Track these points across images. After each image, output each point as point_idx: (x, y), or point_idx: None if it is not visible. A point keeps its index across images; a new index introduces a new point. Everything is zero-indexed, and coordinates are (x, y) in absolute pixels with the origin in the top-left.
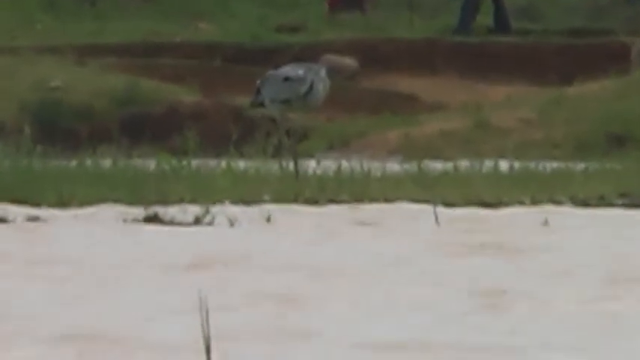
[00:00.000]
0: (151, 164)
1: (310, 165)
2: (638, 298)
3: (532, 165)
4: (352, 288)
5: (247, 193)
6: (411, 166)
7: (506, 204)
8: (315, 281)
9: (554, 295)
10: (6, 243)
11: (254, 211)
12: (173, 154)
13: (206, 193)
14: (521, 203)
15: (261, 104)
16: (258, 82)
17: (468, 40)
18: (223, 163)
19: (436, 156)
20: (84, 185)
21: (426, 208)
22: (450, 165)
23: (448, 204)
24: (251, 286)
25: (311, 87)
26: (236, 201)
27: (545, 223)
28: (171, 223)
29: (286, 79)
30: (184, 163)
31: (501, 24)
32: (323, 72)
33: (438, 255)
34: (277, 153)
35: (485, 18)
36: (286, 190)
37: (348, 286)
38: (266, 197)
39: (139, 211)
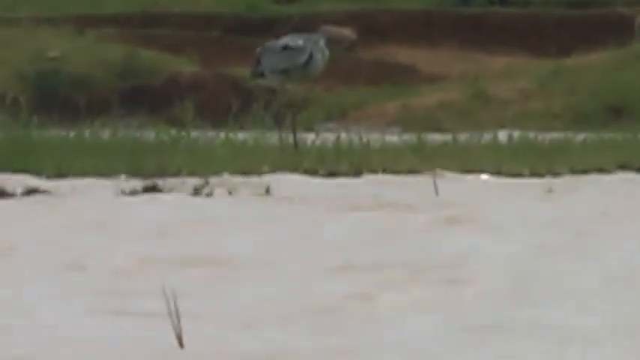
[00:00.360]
0: (150, 135)
1: (309, 136)
2: None
3: (531, 135)
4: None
5: (246, 164)
6: (410, 137)
7: (506, 174)
8: None
9: None
10: None
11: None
12: (172, 124)
13: (205, 164)
14: (521, 174)
15: (261, 74)
16: (257, 50)
17: (467, 10)
18: (222, 134)
19: (435, 127)
20: (83, 156)
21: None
22: (449, 136)
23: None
24: None
25: (310, 56)
26: (235, 172)
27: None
28: (170, 193)
29: (285, 47)
30: (183, 134)
31: None
32: (322, 42)
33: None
34: (276, 124)
35: None
36: (285, 160)
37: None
38: (265, 168)
39: (137, 182)
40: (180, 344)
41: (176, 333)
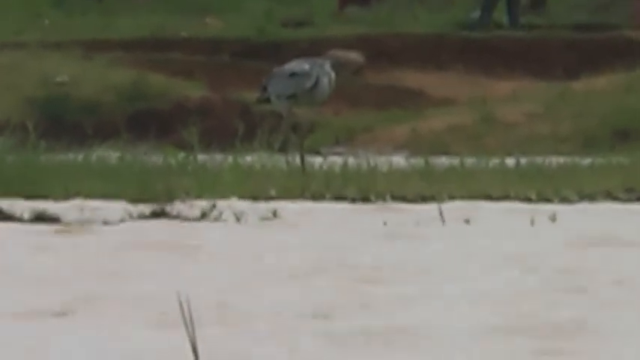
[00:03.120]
0: (158, 159)
1: (316, 160)
2: None
3: (539, 160)
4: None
5: (254, 188)
6: (418, 161)
7: (513, 198)
8: None
9: None
10: None
11: (260, 206)
12: (180, 148)
13: (213, 188)
14: (528, 198)
15: (267, 100)
16: (263, 80)
17: (474, 34)
18: (230, 158)
19: (443, 151)
20: (91, 180)
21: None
22: (456, 160)
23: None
24: None
25: (317, 81)
26: (243, 196)
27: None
28: (178, 217)
29: (292, 74)
30: (191, 157)
31: (513, 20)
32: (328, 66)
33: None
34: (283, 148)
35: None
36: (293, 185)
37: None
38: (272, 192)
39: (145, 206)
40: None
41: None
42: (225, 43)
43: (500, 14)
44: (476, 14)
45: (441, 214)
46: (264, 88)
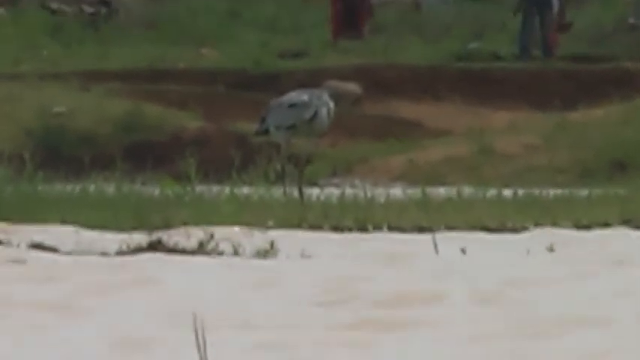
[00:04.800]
0: (155, 190)
1: (314, 191)
2: None
3: (536, 191)
4: None
5: (251, 219)
6: (415, 192)
7: (510, 229)
8: None
9: None
10: None
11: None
12: (176, 179)
13: (210, 219)
14: (525, 229)
15: (266, 132)
16: (262, 111)
17: (471, 65)
18: (227, 189)
19: (440, 182)
20: (87, 211)
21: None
22: (453, 191)
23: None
24: None
25: (316, 112)
26: (240, 227)
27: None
28: (175, 249)
29: (292, 105)
30: (188, 189)
31: (545, 51)
32: (326, 96)
33: None
34: (280, 179)
35: (489, 44)
36: (290, 216)
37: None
38: (270, 223)
39: (142, 237)
40: None
41: None
42: (222, 74)
43: (499, 45)
44: (473, 45)
45: (435, 245)
46: (263, 120)
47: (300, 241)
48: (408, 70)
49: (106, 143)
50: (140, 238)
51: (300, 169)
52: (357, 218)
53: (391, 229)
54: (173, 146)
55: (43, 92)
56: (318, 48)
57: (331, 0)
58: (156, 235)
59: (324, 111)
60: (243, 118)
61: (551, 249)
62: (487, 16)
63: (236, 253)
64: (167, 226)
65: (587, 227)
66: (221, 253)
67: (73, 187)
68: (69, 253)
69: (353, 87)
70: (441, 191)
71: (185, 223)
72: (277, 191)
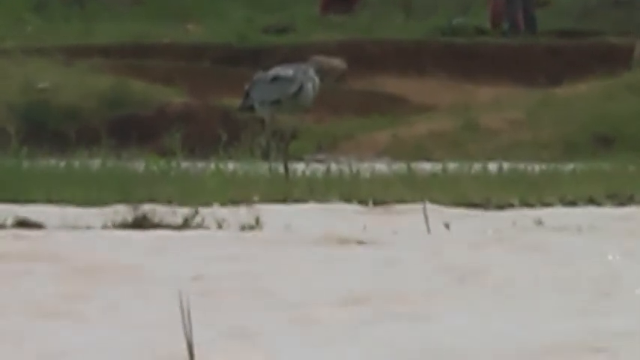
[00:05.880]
0: (140, 166)
1: (299, 166)
2: None
3: (521, 166)
4: None
5: (236, 195)
6: (400, 168)
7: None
8: None
9: None
10: None
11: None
12: (161, 155)
13: (195, 194)
14: (510, 205)
15: (251, 107)
16: (246, 86)
17: (456, 40)
18: (212, 165)
19: (425, 157)
20: (72, 186)
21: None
22: (438, 166)
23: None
24: None
25: (300, 86)
26: (225, 202)
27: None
28: (160, 225)
29: (275, 78)
30: (173, 164)
31: (529, 25)
32: (311, 71)
33: None
34: (265, 154)
35: (474, 19)
36: (275, 191)
37: None
38: (255, 198)
39: (127, 213)
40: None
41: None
42: (207, 49)
43: (484, 20)
44: (458, 20)
45: (426, 220)
46: (247, 95)
47: (285, 216)
48: (392, 46)
49: (90, 119)
50: (125, 213)
51: (285, 144)
52: (343, 193)
53: (376, 204)
54: (158, 122)
55: (28, 68)
56: (303, 23)
57: None
58: (141, 211)
59: (309, 86)
60: (228, 93)
61: None
62: None
63: (220, 227)
64: (152, 201)
65: (573, 203)
66: (206, 229)
67: (57, 163)
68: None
69: (338, 62)
70: (426, 166)
71: (170, 199)
72: (263, 167)
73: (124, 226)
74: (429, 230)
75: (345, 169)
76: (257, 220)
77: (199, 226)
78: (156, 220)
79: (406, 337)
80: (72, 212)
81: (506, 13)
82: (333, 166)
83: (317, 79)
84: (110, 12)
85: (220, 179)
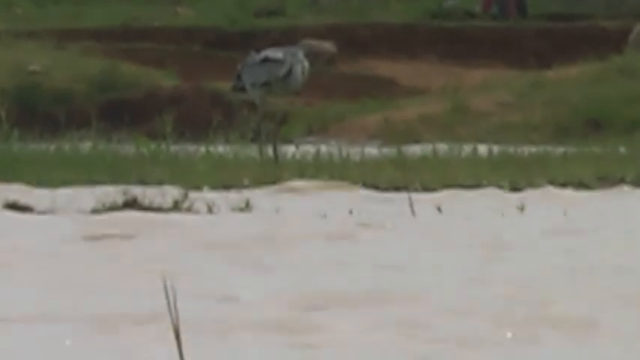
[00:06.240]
0: (130, 149)
1: (289, 149)
2: None
3: (511, 149)
4: None
5: (226, 178)
6: (390, 151)
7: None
8: None
9: None
10: None
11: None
12: (152, 138)
13: (185, 177)
14: (500, 187)
15: (242, 89)
16: (238, 67)
17: (446, 23)
18: (202, 148)
19: (415, 140)
20: (63, 169)
21: None
22: (429, 149)
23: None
24: None
25: (290, 69)
26: (215, 185)
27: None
28: (150, 207)
29: (264, 60)
30: (163, 147)
31: (520, 9)
32: (301, 54)
33: None
34: (256, 138)
35: (464, 2)
36: (266, 174)
37: None
38: (245, 182)
39: (117, 195)
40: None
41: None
42: (197, 32)
43: (474, 3)
44: (449, 3)
45: (411, 204)
46: (239, 76)
47: (275, 199)
48: (382, 29)
49: (81, 102)
50: (115, 195)
51: (275, 127)
52: (333, 176)
53: (367, 187)
54: (149, 105)
55: (18, 51)
56: (293, 7)
57: None
58: (131, 194)
59: (298, 68)
60: (218, 76)
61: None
62: None
63: (210, 211)
64: (142, 184)
65: (563, 185)
66: (196, 212)
67: (48, 146)
68: (44, 212)
69: (328, 46)
70: (417, 149)
71: (160, 182)
72: (253, 150)
73: (114, 208)
74: (413, 213)
75: (336, 152)
76: (247, 204)
77: (189, 209)
78: (146, 202)
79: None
80: (62, 194)
81: None
82: (324, 149)
83: (306, 63)
84: None
85: (210, 162)
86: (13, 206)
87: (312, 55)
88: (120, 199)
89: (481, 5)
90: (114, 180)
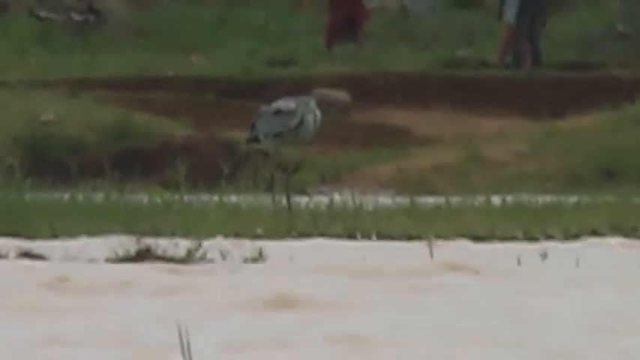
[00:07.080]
0: (143, 198)
1: (303, 199)
2: None
3: (525, 198)
4: None
5: (240, 228)
6: (404, 200)
7: (499, 237)
8: None
9: None
10: None
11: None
12: (165, 188)
13: (198, 227)
14: (514, 237)
15: (256, 139)
16: (253, 118)
17: (460, 73)
18: (215, 197)
19: (429, 189)
20: (76, 219)
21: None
22: (442, 199)
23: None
24: None
25: (302, 119)
26: (228, 235)
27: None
28: (163, 257)
29: (277, 112)
30: (176, 197)
31: (534, 59)
32: (313, 103)
33: None
34: (269, 187)
35: (478, 51)
36: (279, 224)
37: None
38: (259, 231)
39: (130, 245)
40: None
41: None
42: (211, 81)
43: (488, 52)
44: (462, 52)
45: (430, 250)
46: (253, 127)
47: (288, 249)
48: (396, 78)
49: (94, 151)
50: (129, 246)
51: (289, 176)
52: (346, 226)
53: (380, 237)
54: (162, 154)
55: (31, 100)
56: (307, 56)
57: (330, 8)
58: (144, 244)
59: (310, 118)
60: (232, 126)
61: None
62: (476, 23)
63: (224, 260)
64: (156, 234)
65: (577, 236)
66: (210, 262)
67: (61, 196)
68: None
69: (342, 95)
70: (430, 199)
71: (173, 232)
72: (266, 199)
73: (127, 259)
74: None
75: (349, 201)
76: (260, 253)
77: (202, 258)
78: (159, 252)
79: None
80: (75, 245)
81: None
82: (337, 199)
83: (318, 112)
84: (114, 44)
85: (224, 212)
86: (27, 255)
87: (325, 105)
88: (133, 249)
89: (498, 54)
90: (127, 230)
